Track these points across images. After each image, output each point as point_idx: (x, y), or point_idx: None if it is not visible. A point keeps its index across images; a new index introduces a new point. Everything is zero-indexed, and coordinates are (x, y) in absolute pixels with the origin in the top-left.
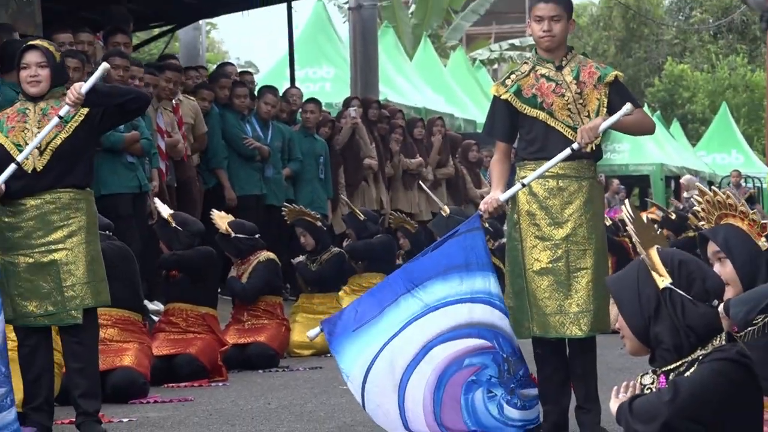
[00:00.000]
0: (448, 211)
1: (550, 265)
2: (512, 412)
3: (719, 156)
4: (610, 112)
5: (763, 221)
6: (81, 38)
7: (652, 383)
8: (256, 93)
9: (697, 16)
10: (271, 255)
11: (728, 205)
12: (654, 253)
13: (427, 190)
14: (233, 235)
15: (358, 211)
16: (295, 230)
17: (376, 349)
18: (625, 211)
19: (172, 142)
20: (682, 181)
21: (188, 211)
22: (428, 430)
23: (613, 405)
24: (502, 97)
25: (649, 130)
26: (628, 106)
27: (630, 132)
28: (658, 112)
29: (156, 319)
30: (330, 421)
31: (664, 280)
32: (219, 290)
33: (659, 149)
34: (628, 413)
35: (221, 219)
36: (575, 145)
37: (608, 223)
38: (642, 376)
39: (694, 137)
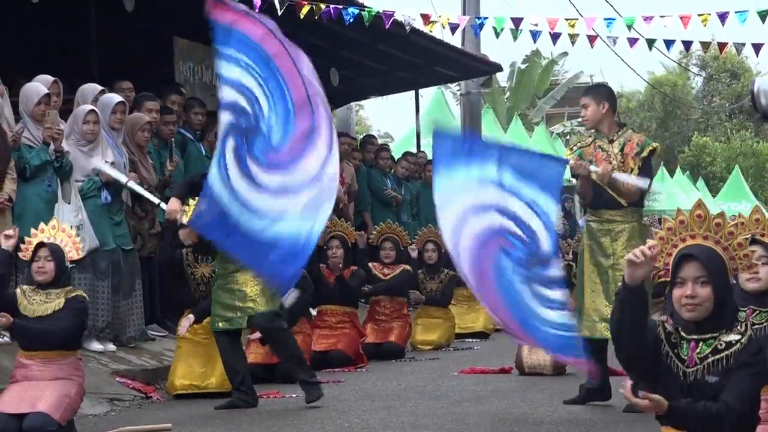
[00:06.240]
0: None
1: (600, 286)
2: (549, 314)
3: (733, 204)
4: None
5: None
6: None
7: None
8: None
9: (717, 101)
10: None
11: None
12: None
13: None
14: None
15: None
16: (425, 246)
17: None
18: None
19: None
20: None
21: None
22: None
23: None
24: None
25: (630, 198)
26: (644, 182)
27: (618, 194)
28: (688, 172)
29: (314, 315)
30: (444, 399)
31: None
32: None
33: (688, 199)
34: None
35: None
36: (592, 167)
37: None
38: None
39: (714, 191)
